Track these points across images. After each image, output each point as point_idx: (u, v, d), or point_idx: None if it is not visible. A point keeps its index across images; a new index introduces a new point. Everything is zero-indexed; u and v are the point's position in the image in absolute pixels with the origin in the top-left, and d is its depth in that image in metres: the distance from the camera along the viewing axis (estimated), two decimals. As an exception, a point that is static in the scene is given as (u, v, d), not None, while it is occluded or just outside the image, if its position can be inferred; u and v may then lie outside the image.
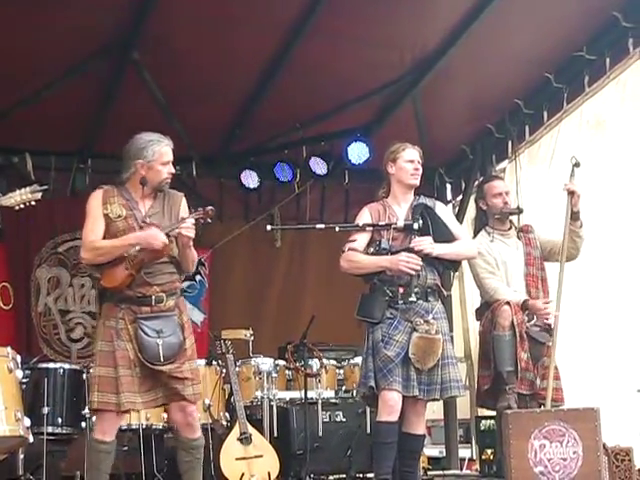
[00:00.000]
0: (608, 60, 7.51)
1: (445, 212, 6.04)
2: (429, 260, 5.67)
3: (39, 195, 5.31)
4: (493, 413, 6.89)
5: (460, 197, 9.52)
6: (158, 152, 5.40)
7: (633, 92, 7.39)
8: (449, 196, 9.73)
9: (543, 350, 6.31)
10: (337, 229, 5.91)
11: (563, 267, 6.27)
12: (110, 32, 7.24)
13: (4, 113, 7.71)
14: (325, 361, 7.78)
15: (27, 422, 5.56)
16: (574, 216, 6.37)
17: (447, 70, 7.91)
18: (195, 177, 8.87)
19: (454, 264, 5.98)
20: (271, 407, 7.48)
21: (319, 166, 8.87)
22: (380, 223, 5.76)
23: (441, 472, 8.42)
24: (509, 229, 6.62)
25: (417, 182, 5.88)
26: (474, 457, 8.85)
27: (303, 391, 7.48)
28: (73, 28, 6.99)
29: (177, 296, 5.46)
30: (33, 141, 8.35)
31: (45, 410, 6.73)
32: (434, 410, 8.91)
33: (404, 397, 5.58)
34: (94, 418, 6.75)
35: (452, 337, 6.08)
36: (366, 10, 7.14)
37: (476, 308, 6.72)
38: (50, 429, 6.78)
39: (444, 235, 5.79)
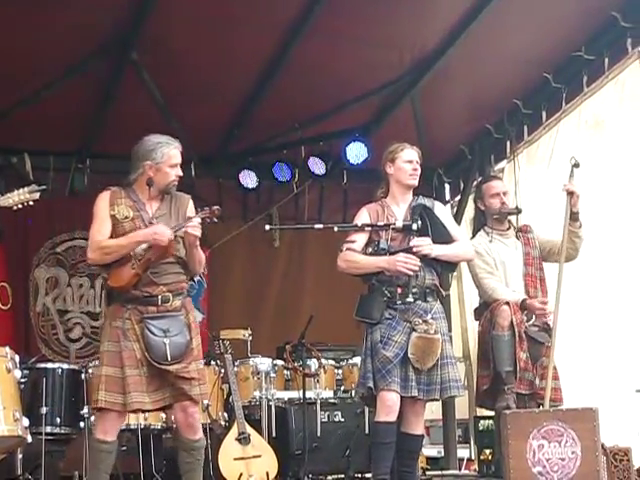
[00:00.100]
0: (607, 60, 7.51)
1: (444, 212, 6.04)
2: (427, 260, 5.67)
3: (37, 195, 5.32)
4: (491, 413, 6.88)
5: (459, 197, 9.52)
6: (167, 154, 5.41)
7: (632, 92, 7.38)
8: (448, 196, 9.73)
9: (542, 350, 6.30)
10: (336, 229, 5.91)
11: (562, 267, 6.27)
12: (109, 32, 7.24)
13: (3, 113, 7.71)
14: (324, 361, 7.78)
15: (25, 422, 5.55)
16: (573, 216, 6.37)
17: (446, 70, 7.91)
18: (194, 177, 8.86)
19: (451, 265, 5.98)
20: (269, 407, 7.49)
21: (318, 166, 8.87)
22: (379, 223, 5.76)
23: (439, 472, 8.43)
24: (508, 229, 6.62)
25: (416, 182, 5.88)
26: (472, 457, 8.85)
27: (301, 391, 7.48)
28: (72, 28, 6.98)
29: (183, 296, 5.47)
30: (32, 141, 8.35)
31: (44, 410, 6.74)
32: (433, 410, 8.92)
33: (403, 397, 5.58)
34: (92, 418, 6.81)
35: (451, 337, 6.08)
36: (365, 10, 7.14)
37: (475, 308, 6.72)
38: (49, 429, 6.79)
39: (443, 236, 5.79)
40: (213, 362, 7.36)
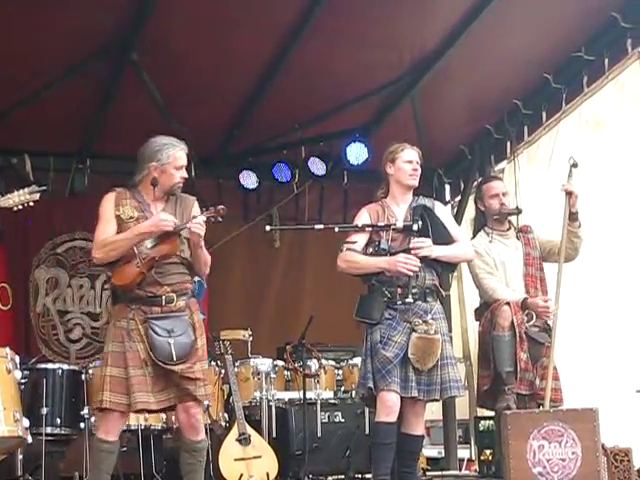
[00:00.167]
0: (607, 60, 7.50)
1: (444, 213, 6.05)
2: (427, 261, 5.67)
3: (37, 196, 5.33)
4: (492, 413, 6.88)
5: (459, 197, 9.52)
6: (172, 156, 5.43)
7: (632, 92, 7.38)
8: (448, 196, 9.73)
9: (542, 350, 6.30)
10: (336, 229, 5.91)
11: (561, 268, 6.27)
12: (109, 33, 7.24)
13: (3, 114, 7.71)
14: (324, 362, 7.79)
15: (26, 423, 5.56)
16: (572, 217, 6.37)
17: (446, 71, 7.91)
18: (194, 178, 8.84)
19: (451, 266, 5.98)
20: (270, 407, 7.49)
21: (318, 167, 8.87)
22: (379, 224, 5.76)
23: (440, 473, 8.43)
24: (508, 229, 6.62)
25: (416, 183, 5.88)
26: (473, 458, 8.85)
27: (302, 392, 7.48)
28: (72, 28, 6.98)
29: (188, 297, 5.49)
30: (32, 142, 8.36)
31: (44, 411, 6.74)
32: (433, 411, 8.91)
33: (403, 398, 5.58)
34: (93, 419, 6.83)
35: (451, 337, 6.08)
36: (364, 11, 7.14)
37: (475, 308, 6.72)
38: (49, 430, 6.80)
39: (443, 237, 5.79)
40: (213, 363, 7.36)
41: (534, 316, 6.32)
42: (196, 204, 5.56)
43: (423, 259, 5.64)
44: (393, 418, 5.58)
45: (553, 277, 6.35)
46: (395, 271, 5.61)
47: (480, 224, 6.66)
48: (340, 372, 7.98)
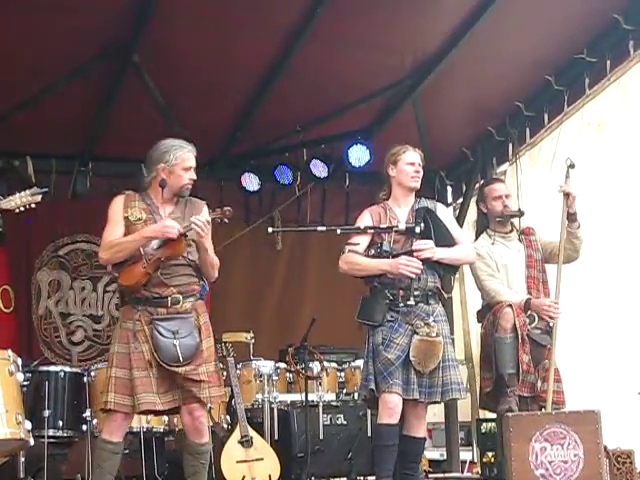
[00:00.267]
0: (609, 62, 7.50)
1: (446, 214, 6.05)
2: (429, 263, 5.68)
3: (39, 198, 5.33)
4: (494, 416, 6.88)
5: (461, 200, 9.51)
6: (180, 157, 5.46)
7: (634, 94, 7.38)
8: (450, 199, 9.72)
9: (544, 353, 6.30)
10: (339, 231, 5.92)
11: (560, 268, 6.27)
12: (110, 35, 7.24)
13: (5, 116, 7.71)
14: (326, 364, 7.79)
15: (28, 425, 5.55)
16: (571, 217, 6.37)
17: (448, 73, 7.90)
18: (195, 180, 8.85)
19: (453, 268, 5.98)
20: (272, 410, 7.49)
21: (319, 169, 8.85)
22: (382, 226, 5.77)
23: (442, 475, 8.43)
24: (510, 232, 6.62)
25: (418, 185, 5.89)
26: (475, 460, 8.83)
27: (304, 394, 7.48)
28: (73, 31, 6.98)
29: (195, 298, 5.50)
30: (34, 144, 8.35)
31: (46, 413, 6.75)
32: (435, 413, 8.91)
33: (404, 400, 5.58)
34: (95, 421, 6.84)
35: (453, 340, 6.08)
36: (367, 13, 7.14)
37: (477, 310, 6.72)
38: (51, 432, 6.81)
39: (445, 239, 5.79)
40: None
41: (536, 318, 6.32)
42: (205, 208, 5.56)
43: (425, 261, 5.64)
44: (395, 420, 5.58)
45: (555, 279, 6.34)
46: (397, 273, 5.61)
47: (482, 226, 6.66)
48: (342, 374, 7.98)
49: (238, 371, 7.46)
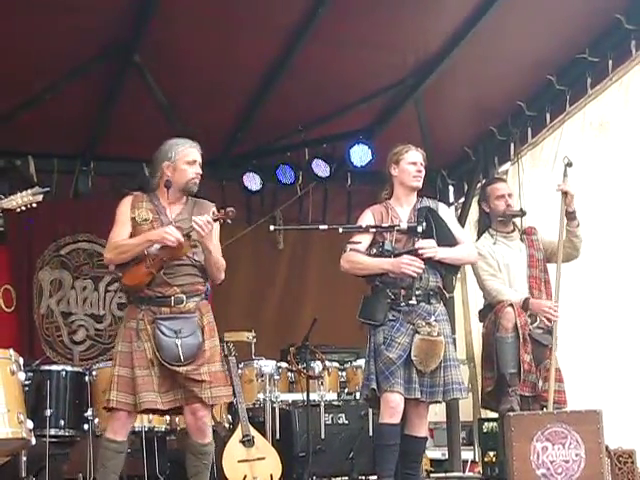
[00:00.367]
0: (611, 62, 7.50)
1: (448, 214, 6.04)
2: (431, 262, 5.67)
3: (40, 197, 5.34)
4: (496, 415, 6.89)
5: (462, 199, 9.52)
6: (182, 152, 5.50)
7: (636, 94, 7.38)
8: (451, 198, 9.71)
9: (546, 352, 6.30)
10: (341, 230, 5.91)
11: (559, 268, 6.27)
12: (111, 34, 7.24)
13: (6, 116, 7.72)
14: (327, 363, 7.79)
15: (30, 424, 5.56)
16: (570, 216, 6.37)
17: (450, 72, 7.90)
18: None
19: (454, 268, 5.97)
20: (273, 409, 7.49)
21: (321, 168, 8.85)
22: (384, 225, 5.76)
23: (443, 474, 8.44)
24: (512, 231, 6.62)
25: (420, 184, 5.88)
26: (477, 459, 8.84)
27: (305, 393, 7.48)
28: (75, 30, 6.99)
29: (200, 298, 5.51)
30: (35, 144, 8.35)
31: (48, 412, 6.76)
32: (436, 412, 8.87)
33: (406, 399, 5.57)
34: (96, 420, 6.84)
35: (454, 339, 6.09)
36: (368, 13, 7.14)
37: (479, 310, 6.71)
38: (53, 431, 6.82)
39: (447, 239, 5.79)
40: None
41: (537, 318, 6.32)
42: (213, 209, 5.54)
43: (427, 261, 5.64)
44: (397, 419, 5.57)
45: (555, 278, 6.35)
46: (399, 272, 5.61)
47: (484, 226, 6.66)
48: (344, 374, 7.98)
49: (240, 370, 7.46)
